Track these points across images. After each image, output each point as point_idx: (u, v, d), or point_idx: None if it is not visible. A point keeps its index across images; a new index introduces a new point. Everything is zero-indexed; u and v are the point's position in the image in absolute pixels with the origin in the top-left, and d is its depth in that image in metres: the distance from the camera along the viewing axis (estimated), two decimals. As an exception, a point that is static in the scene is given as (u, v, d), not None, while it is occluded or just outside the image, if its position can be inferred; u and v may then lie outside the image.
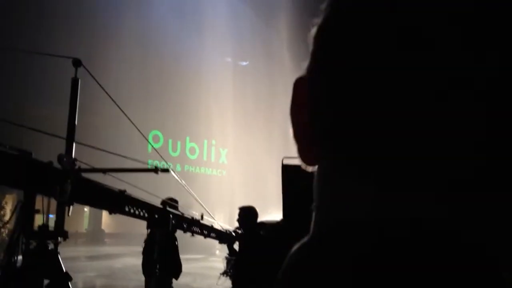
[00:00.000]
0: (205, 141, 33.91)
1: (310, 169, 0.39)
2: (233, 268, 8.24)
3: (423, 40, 0.31)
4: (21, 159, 2.30)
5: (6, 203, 20.83)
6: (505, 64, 0.30)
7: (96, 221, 32.34)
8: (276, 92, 32.23)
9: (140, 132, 3.69)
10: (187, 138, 32.43)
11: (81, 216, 30.35)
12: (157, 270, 4.44)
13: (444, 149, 0.31)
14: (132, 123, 3.58)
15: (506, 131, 0.30)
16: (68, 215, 2.69)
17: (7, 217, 21.29)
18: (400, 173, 0.32)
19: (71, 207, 2.73)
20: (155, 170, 3.50)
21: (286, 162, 4.40)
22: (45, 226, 2.61)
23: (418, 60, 0.31)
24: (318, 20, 0.38)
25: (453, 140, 0.31)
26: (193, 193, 4.96)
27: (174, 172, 3.63)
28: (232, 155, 34.16)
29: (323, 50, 0.37)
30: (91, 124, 18.02)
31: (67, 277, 2.65)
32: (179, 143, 31.50)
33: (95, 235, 30.65)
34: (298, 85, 0.39)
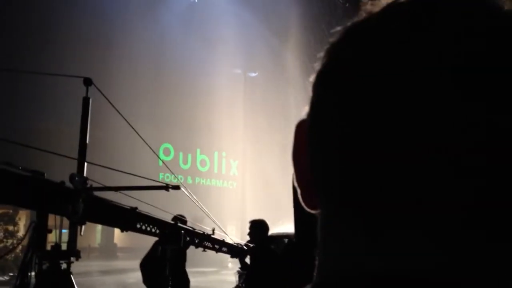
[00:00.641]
0: (216, 153, 33.97)
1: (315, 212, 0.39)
2: (245, 282, 8.20)
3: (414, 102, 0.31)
4: (34, 181, 2.32)
5: (19, 219, 20.98)
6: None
7: (108, 236, 32.41)
8: (286, 102, 32.27)
9: (151, 148, 3.70)
10: (198, 150, 32.53)
11: (94, 230, 30.45)
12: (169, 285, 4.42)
13: (440, 195, 0.30)
14: (142, 139, 3.60)
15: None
16: (81, 234, 2.70)
17: (20, 233, 21.45)
18: (390, 222, 0.32)
19: (83, 227, 2.74)
20: (166, 187, 3.50)
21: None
22: (58, 246, 2.62)
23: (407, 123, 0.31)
24: (317, 66, 0.38)
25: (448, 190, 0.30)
26: (204, 208, 4.95)
27: (185, 188, 3.62)
28: (243, 166, 34.18)
29: (319, 99, 0.37)
30: (101, 139, 18.14)
31: (80, 297, 2.65)
32: (189, 156, 31.62)
33: (108, 250, 30.71)
34: (299, 128, 0.39)
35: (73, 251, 2.65)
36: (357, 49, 0.34)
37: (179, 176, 32.69)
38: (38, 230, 2.55)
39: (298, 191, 0.40)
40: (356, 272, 0.32)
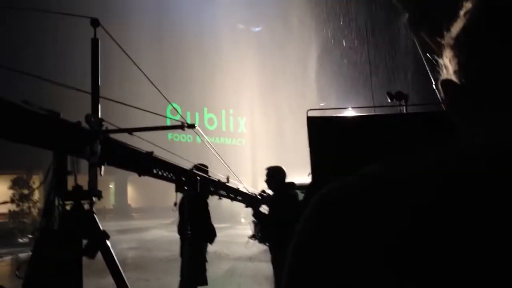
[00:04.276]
0: (223, 111, 33.88)
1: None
2: (262, 231, 8.29)
3: None
4: (51, 120, 2.30)
5: (33, 183, 21.27)
6: None
7: (122, 197, 32.97)
8: (289, 56, 31.84)
9: (160, 92, 3.65)
10: (205, 109, 32.47)
11: (107, 192, 30.93)
12: (189, 232, 4.49)
13: None
14: (150, 81, 3.54)
15: None
16: (101, 174, 2.70)
17: (35, 197, 21.84)
18: None
19: (102, 167, 2.74)
20: (181, 126, 3.48)
21: (311, 114, 4.35)
22: (79, 186, 2.63)
23: None
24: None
25: None
26: (217, 154, 4.95)
27: (199, 130, 3.61)
28: (251, 123, 34.13)
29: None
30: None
31: (104, 235, 2.68)
32: (197, 115, 31.57)
33: (122, 210, 31.29)
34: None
35: (95, 191, 2.66)
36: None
37: (188, 135, 32.58)
38: (58, 171, 2.55)
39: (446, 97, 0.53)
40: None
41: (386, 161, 0.46)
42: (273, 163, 6.14)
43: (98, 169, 2.74)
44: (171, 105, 3.99)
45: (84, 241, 2.68)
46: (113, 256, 2.66)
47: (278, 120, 31.01)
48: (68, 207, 2.64)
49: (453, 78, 0.51)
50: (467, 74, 0.50)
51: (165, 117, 3.59)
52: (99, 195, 2.70)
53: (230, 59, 31.32)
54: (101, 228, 2.68)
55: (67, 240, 2.57)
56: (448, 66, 0.52)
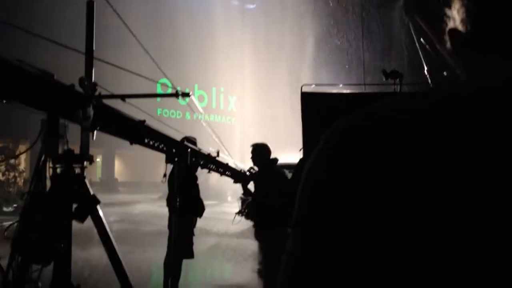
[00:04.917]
0: (214, 89, 33.71)
1: None
2: (249, 207, 8.34)
3: None
4: (45, 80, 2.26)
5: (19, 152, 21.08)
6: None
7: (109, 170, 32.87)
8: (283, 34, 31.59)
9: (153, 60, 3.62)
10: (196, 86, 32.21)
11: (94, 165, 30.79)
12: (177, 203, 4.49)
13: None
14: (144, 48, 3.51)
15: None
16: (93, 139, 2.68)
17: (21, 166, 21.66)
18: None
19: (95, 132, 2.72)
20: (176, 94, 3.47)
21: (305, 89, 4.35)
22: (70, 150, 2.61)
23: None
24: None
25: None
26: (210, 127, 4.96)
27: (193, 96, 3.59)
28: (241, 102, 34.03)
29: None
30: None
31: (95, 200, 2.67)
32: (187, 91, 31.34)
33: (109, 184, 31.22)
34: None
35: (86, 155, 2.64)
36: None
37: (177, 111, 32.40)
38: (50, 134, 2.52)
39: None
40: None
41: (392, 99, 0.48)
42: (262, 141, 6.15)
43: (90, 134, 2.73)
44: (165, 78, 3.95)
45: (74, 206, 2.68)
46: (102, 221, 2.67)
47: (270, 100, 30.93)
48: (58, 171, 2.62)
49: (460, 27, 0.52)
50: (474, 22, 0.50)
51: (157, 82, 3.55)
52: (90, 160, 2.69)
53: (223, 36, 31.01)
54: (91, 193, 2.67)
55: (58, 203, 2.56)
56: (455, 17, 0.52)
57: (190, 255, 5.68)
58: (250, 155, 5.68)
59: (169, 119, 27.42)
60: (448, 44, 0.55)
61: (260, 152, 5.63)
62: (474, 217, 0.38)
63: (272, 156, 5.65)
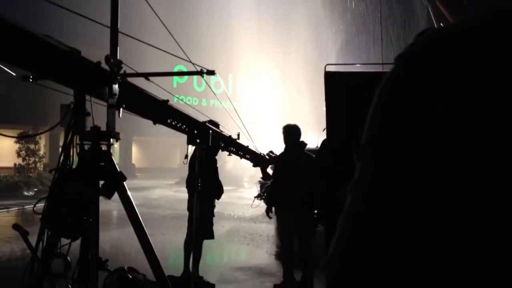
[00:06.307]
0: (230, 75, 33.68)
1: None
2: (267, 191, 8.35)
3: None
4: (73, 56, 2.29)
5: (40, 138, 21.38)
6: None
7: (126, 156, 33.21)
8: (299, 23, 31.33)
9: (174, 39, 3.62)
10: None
11: (112, 151, 31.11)
12: (199, 184, 4.53)
13: None
14: (166, 28, 3.51)
15: None
16: (119, 116, 2.71)
17: (41, 152, 22.02)
18: None
19: (121, 110, 2.74)
20: (201, 72, 3.48)
21: (329, 69, 4.33)
22: (97, 127, 2.64)
23: None
24: None
25: None
26: (234, 109, 4.99)
27: (218, 77, 3.60)
28: (257, 88, 33.98)
29: None
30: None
31: (122, 176, 2.70)
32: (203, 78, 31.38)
33: (126, 170, 31.28)
34: None
35: (113, 133, 2.67)
36: None
37: (194, 98, 32.48)
38: (77, 111, 2.56)
39: None
40: None
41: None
42: (279, 127, 6.21)
43: (116, 111, 2.75)
44: (185, 59, 3.95)
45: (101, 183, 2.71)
46: (129, 197, 2.70)
47: (287, 85, 30.85)
48: (86, 148, 2.66)
49: None
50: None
51: (180, 58, 3.56)
52: (117, 137, 2.72)
53: (239, 22, 30.90)
54: (118, 169, 2.70)
55: (85, 179, 2.60)
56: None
57: (211, 235, 5.75)
58: (282, 136, 5.78)
59: (185, 105, 27.47)
60: None
61: (292, 132, 5.72)
62: None
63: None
